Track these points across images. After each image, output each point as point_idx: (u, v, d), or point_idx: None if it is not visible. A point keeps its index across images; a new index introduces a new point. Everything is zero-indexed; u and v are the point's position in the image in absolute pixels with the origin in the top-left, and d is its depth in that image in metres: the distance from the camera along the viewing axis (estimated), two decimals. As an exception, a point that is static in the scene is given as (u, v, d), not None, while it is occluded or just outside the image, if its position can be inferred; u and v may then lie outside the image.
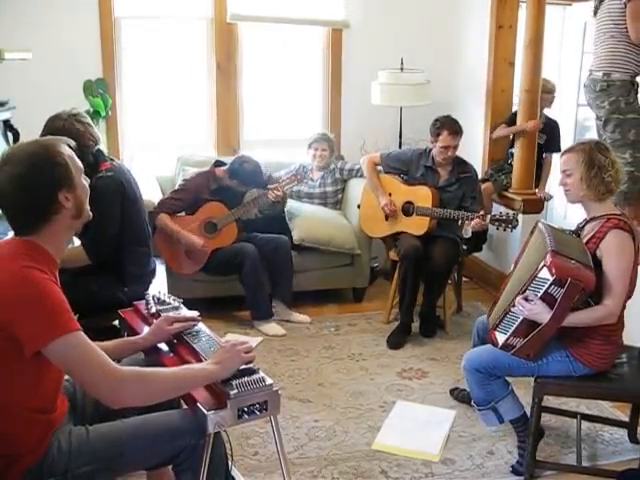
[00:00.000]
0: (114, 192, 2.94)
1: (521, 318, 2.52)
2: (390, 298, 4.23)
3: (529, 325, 2.50)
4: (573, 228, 2.74)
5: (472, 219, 3.77)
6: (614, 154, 2.58)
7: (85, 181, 1.88)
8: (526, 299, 2.49)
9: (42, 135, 2.98)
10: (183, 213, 4.19)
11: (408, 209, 4.09)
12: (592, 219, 2.59)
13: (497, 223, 3.75)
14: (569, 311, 2.43)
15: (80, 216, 1.86)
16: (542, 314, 2.44)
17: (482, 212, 3.82)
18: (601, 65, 3.82)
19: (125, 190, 2.99)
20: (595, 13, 3.92)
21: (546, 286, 2.41)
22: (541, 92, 4.36)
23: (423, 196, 4.04)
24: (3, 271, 1.69)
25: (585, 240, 2.57)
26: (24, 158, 1.76)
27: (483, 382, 2.72)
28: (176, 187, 4.32)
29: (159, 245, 4.08)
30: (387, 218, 4.16)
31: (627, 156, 3.75)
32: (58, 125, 2.85)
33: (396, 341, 3.95)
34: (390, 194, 4.17)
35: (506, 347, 2.59)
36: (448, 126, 3.98)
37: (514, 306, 2.54)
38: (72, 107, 3.07)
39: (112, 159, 3.07)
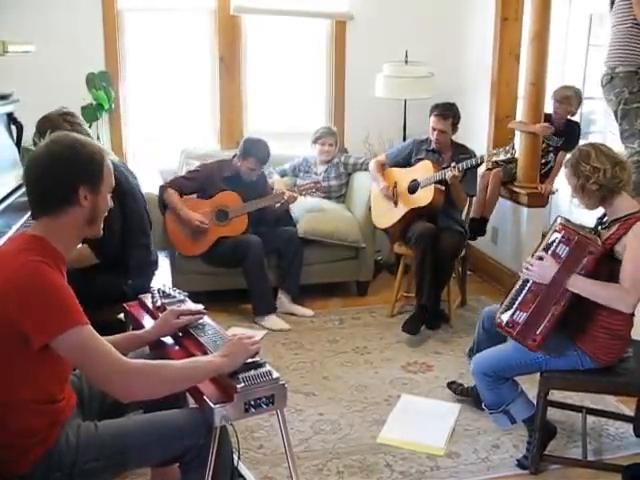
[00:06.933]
0: None
1: (528, 285, 2.51)
2: (395, 291, 4.22)
3: (534, 295, 2.49)
4: (580, 222, 2.73)
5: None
6: (600, 158, 2.51)
7: (111, 201, 1.91)
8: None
9: (34, 137, 2.98)
10: (194, 196, 4.24)
11: (415, 186, 4.11)
12: (614, 221, 2.55)
13: (495, 157, 3.90)
14: (573, 272, 2.43)
15: (93, 223, 1.86)
16: (551, 268, 2.44)
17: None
18: (608, 59, 3.83)
19: (120, 186, 2.96)
20: (611, 7, 3.91)
21: (554, 245, 2.45)
22: (576, 107, 4.44)
23: (425, 168, 4.10)
24: (11, 264, 1.69)
25: (604, 238, 2.54)
26: (67, 141, 1.82)
27: (492, 386, 2.72)
28: (190, 169, 4.40)
29: (168, 224, 4.17)
30: (396, 204, 4.17)
31: (636, 145, 3.76)
32: (46, 127, 2.83)
33: (413, 327, 3.92)
34: (396, 183, 4.21)
35: (511, 325, 2.54)
36: (437, 110, 4.11)
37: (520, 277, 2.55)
38: (62, 106, 3.05)
39: None
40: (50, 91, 4.18)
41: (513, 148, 3.80)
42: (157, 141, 5.02)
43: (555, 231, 2.51)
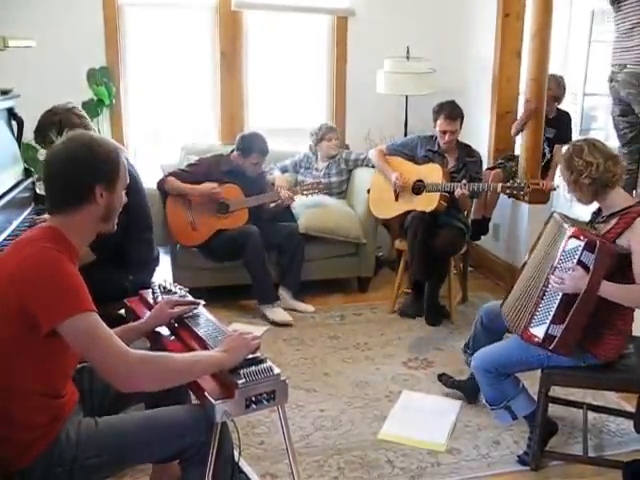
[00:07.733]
0: None
1: (559, 298, 2.48)
2: (396, 287, 4.22)
3: (567, 306, 2.46)
4: (582, 219, 2.73)
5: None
6: (593, 153, 2.51)
7: (125, 198, 1.94)
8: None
9: (36, 130, 2.98)
10: None
11: (419, 187, 4.09)
12: (611, 215, 2.55)
13: (508, 190, 3.85)
14: (602, 277, 2.41)
15: (107, 220, 1.90)
16: (583, 279, 2.41)
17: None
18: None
19: (130, 183, 2.97)
20: (612, 2, 3.85)
21: (578, 253, 2.43)
22: (556, 90, 4.40)
23: (434, 172, 4.05)
24: (25, 251, 1.72)
25: (602, 232, 2.53)
26: (84, 139, 1.84)
27: (493, 382, 2.72)
28: (189, 162, 4.40)
29: (168, 212, 4.16)
30: (397, 198, 4.15)
31: None
32: (54, 120, 2.83)
33: (412, 311, 3.94)
34: (401, 174, 4.19)
35: (548, 340, 2.51)
36: (445, 111, 4.02)
37: (545, 292, 2.51)
38: (67, 101, 3.05)
39: None
40: (51, 87, 4.17)
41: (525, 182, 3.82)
42: (158, 137, 5.02)
43: (573, 237, 2.45)
